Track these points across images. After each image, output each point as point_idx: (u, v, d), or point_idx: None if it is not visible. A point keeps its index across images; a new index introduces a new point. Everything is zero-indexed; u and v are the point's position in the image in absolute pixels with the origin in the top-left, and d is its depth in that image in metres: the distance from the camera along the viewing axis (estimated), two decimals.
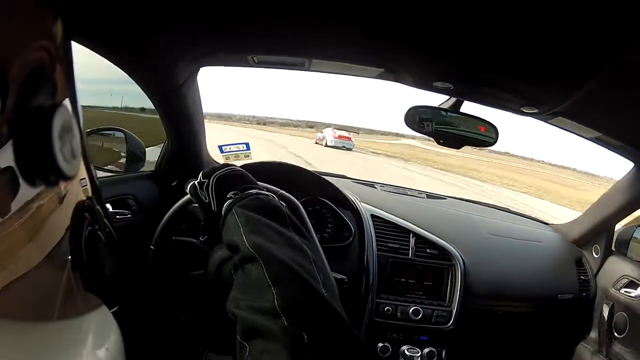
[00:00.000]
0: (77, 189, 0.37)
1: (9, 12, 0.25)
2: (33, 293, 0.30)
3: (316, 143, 16.82)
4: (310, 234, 0.56)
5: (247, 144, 1.20)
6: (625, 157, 1.12)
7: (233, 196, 0.60)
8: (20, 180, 0.26)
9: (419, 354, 0.99)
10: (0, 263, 0.26)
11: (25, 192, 0.27)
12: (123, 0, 0.61)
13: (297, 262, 0.46)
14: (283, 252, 0.47)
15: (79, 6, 0.60)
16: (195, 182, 0.67)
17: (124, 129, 1.13)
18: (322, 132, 17.54)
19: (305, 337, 0.38)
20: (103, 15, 0.64)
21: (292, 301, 0.41)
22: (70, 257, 0.34)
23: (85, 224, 0.38)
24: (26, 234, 0.28)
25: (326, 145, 15.50)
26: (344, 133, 17.03)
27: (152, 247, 0.89)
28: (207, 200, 0.64)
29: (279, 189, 0.78)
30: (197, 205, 0.69)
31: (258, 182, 0.66)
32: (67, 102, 0.32)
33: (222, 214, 0.60)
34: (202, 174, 0.67)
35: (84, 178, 0.38)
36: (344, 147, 15.73)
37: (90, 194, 0.39)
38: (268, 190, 0.64)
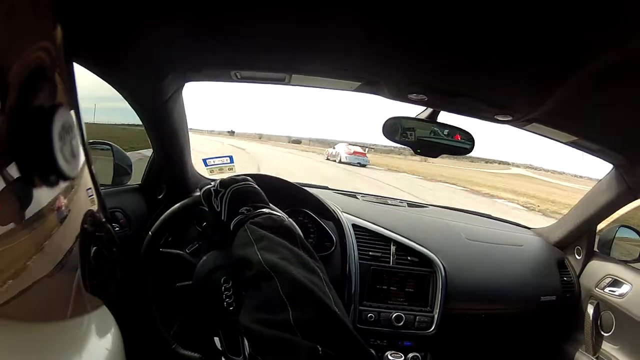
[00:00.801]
0: (77, 190, 0.36)
1: (9, 12, 0.25)
2: (33, 293, 0.29)
3: (327, 159, 16.56)
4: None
5: (230, 157, 1.22)
6: (604, 160, 1.13)
7: (245, 212, 0.62)
8: (20, 181, 0.26)
9: (402, 358, 1.01)
10: (1, 263, 0.26)
11: (25, 192, 0.27)
12: (109, 16, 0.63)
13: (311, 280, 0.48)
14: (297, 271, 0.48)
15: (65, 23, 0.62)
16: (212, 189, 0.69)
17: (110, 143, 1.15)
18: (333, 148, 17.24)
19: (320, 350, 0.41)
20: (90, 31, 0.66)
21: (307, 318, 0.44)
22: (70, 257, 0.34)
23: (86, 224, 0.38)
24: (25, 235, 0.28)
25: (340, 162, 15.25)
26: (359, 149, 16.62)
27: (150, 233, 0.89)
28: (219, 209, 0.66)
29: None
30: (206, 208, 0.71)
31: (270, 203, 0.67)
32: (67, 102, 0.33)
33: (231, 227, 0.62)
34: (220, 182, 0.69)
35: (84, 178, 0.38)
36: (358, 163, 15.32)
37: (90, 194, 0.39)
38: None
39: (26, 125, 0.27)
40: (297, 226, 0.61)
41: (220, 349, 0.82)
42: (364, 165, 15.44)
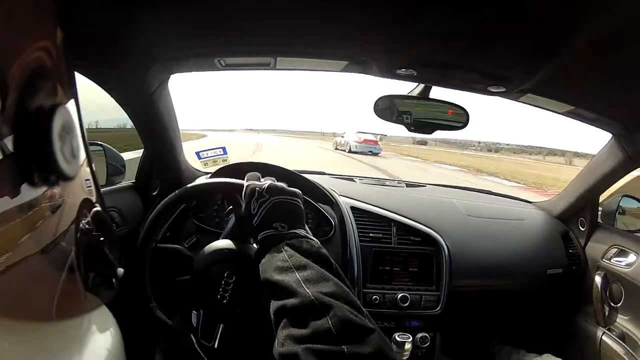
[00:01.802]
0: (78, 189, 0.37)
1: (9, 12, 0.26)
2: (34, 293, 0.30)
3: (336, 149, 15.46)
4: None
5: (223, 148, 1.21)
6: (602, 129, 1.12)
7: (280, 229, 0.60)
8: (21, 180, 0.26)
9: (410, 339, 1.00)
10: (1, 263, 0.26)
11: (26, 192, 0.27)
12: (88, 10, 0.61)
13: (361, 320, 0.47)
14: (348, 311, 0.47)
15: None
16: (257, 190, 0.65)
17: (101, 143, 1.14)
18: (342, 137, 15.97)
19: None
20: (69, 26, 0.65)
21: (363, 352, 0.43)
22: (70, 257, 0.35)
23: (86, 224, 0.38)
24: (27, 234, 0.28)
25: (349, 151, 14.27)
26: (370, 136, 15.03)
27: (142, 228, 0.87)
28: (254, 212, 0.64)
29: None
30: (240, 197, 0.68)
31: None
32: (67, 102, 0.33)
33: (260, 236, 0.61)
34: (268, 187, 0.65)
35: (88, 179, 0.38)
36: (370, 152, 14.26)
37: (90, 195, 0.40)
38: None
39: (26, 125, 0.27)
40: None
41: (194, 325, 0.81)
42: (376, 154, 14.40)
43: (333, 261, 0.57)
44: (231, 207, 0.77)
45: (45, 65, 0.30)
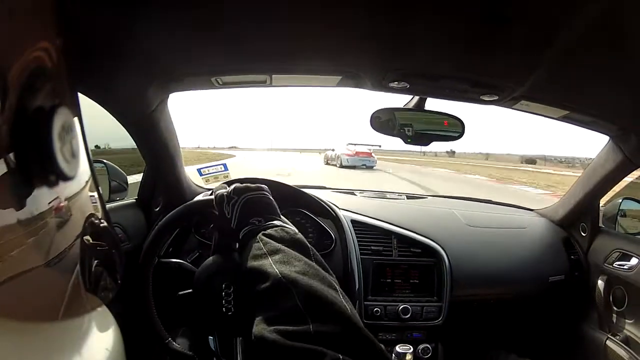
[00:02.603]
0: (79, 191, 0.37)
1: (10, 13, 0.26)
2: (34, 294, 0.30)
3: (327, 164, 14.55)
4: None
5: (224, 165, 1.22)
6: (599, 132, 1.11)
7: (256, 223, 0.62)
8: (21, 182, 0.27)
9: (411, 350, 1.00)
10: (1, 263, 0.26)
11: (26, 192, 0.28)
12: (89, 30, 0.63)
13: (329, 294, 0.47)
14: (315, 284, 0.48)
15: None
16: (224, 194, 0.68)
17: (104, 160, 1.16)
18: (332, 150, 14.94)
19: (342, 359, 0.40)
20: (67, 44, 0.66)
21: (329, 330, 0.43)
22: (71, 258, 0.35)
23: (88, 225, 0.38)
24: (27, 236, 0.29)
25: (341, 166, 13.31)
26: (363, 148, 13.85)
27: (146, 243, 0.88)
28: (229, 216, 0.66)
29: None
30: (215, 212, 0.70)
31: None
32: (67, 102, 0.33)
33: (240, 235, 0.62)
34: (234, 188, 0.68)
35: (86, 181, 0.38)
36: (364, 165, 13.31)
37: (92, 195, 0.40)
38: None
39: (26, 125, 0.27)
40: (306, 240, 0.60)
41: (214, 349, 0.81)
42: (370, 167, 13.49)
43: (310, 246, 0.57)
44: (212, 224, 0.78)
45: (45, 65, 0.30)
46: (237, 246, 0.76)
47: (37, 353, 0.30)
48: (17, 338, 0.28)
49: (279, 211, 0.67)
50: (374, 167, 13.64)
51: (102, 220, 0.43)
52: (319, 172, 11.15)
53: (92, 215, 0.40)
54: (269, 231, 0.59)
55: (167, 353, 0.82)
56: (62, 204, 0.33)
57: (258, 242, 0.57)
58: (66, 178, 0.33)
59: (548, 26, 0.62)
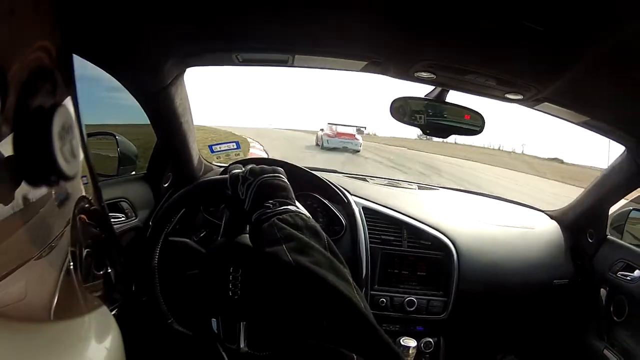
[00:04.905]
0: (78, 189, 0.37)
1: (9, 12, 0.26)
2: (33, 293, 0.30)
3: (317, 144, 12.58)
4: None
5: (237, 142, 1.22)
6: (616, 141, 1.12)
7: (271, 206, 0.61)
8: (21, 180, 0.26)
9: (415, 344, 1.00)
10: (0, 263, 0.26)
11: (26, 191, 0.27)
12: (107, 5, 0.62)
13: (345, 288, 0.47)
14: (330, 276, 0.48)
15: (62, 15, 0.61)
16: (240, 175, 0.67)
17: (113, 132, 1.14)
18: (321, 130, 12.93)
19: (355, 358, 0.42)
20: (87, 21, 0.64)
21: (342, 325, 0.44)
22: (70, 257, 0.35)
23: (86, 224, 0.38)
24: (27, 234, 0.29)
25: (322, 147, 11.72)
26: (345, 129, 12.05)
27: (152, 221, 0.87)
28: (243, 197, 0.65)
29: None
30: (230, 192, 0.69)
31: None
32: (67, 102, 0.33)
33: (253, 218, 0.61)
34: (250, 169, 0.67)
35: (85, 176, 0.38)
36: (345, 148, 11.59)
37: (90, 194, 0.39)
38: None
39: (26, 125, 0.27)
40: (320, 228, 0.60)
41: (216, 332, 0.81)
42: (356, 151, 11.69)
43: (324, 234, 0.57)
44: (223, 205, 0.77)
45: (45, 65, 0.30)
46: (247, 228, 0.75)
47: (36, 353, 0.30)
48: (16, 337, 0.28)
49: (293, 195, 0.66)
50: (359, 152, 11.78)
51: (102, 219, 0.43)
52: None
53: (92, 214, 0.40)
54: (283, 216, 0.58)
55: (170, 333, 0.81)
56: (61, 204, 0.33)
57: (272, 227, 0.56)
58: (66, 178, 0.32)
59: (580, 39, 0.62)
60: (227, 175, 0.70)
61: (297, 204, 0.65)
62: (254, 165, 0.68)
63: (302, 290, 0.47)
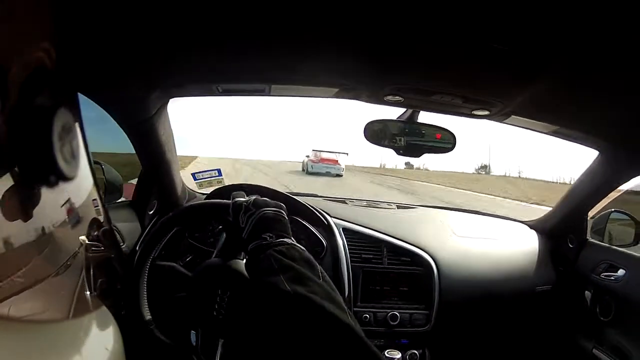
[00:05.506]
0: (79, 192, 0.37)
1: (10, 13, 0.26)
2: (34, 294, 0.30)
3: (303, 170, 13.52)
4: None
5: (218, 170, 1.24)
6: (588, 146, 1.13)
7: (268, 238, 0.63)
8: (23, 183, 0.27)
9: (399, 356, 1.02)
10: (0, 263, 0.26)
11: (25, 192, 0.28)
12: (94, 36, 0.64)
13: (342, 316, 0.49)
14: (327, 305, 0.50)
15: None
16: (244, 204, 0.70)
17: (100, 161, 1.16)
18: (307, 157, 13.81)
19: None
20: (74, 51, 0.66)
21: (340, 352, 0.45)
22: (71, 259, 0.36)
23: (89, 227, 0.39)
24: (27, 237, 0.29)
25: (307, 173, 12.47)
26: (329, 155, 12.91)
27: (139, 246, 0.88)
28: (243, 225, 0.68)
29: None
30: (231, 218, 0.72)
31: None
32: (67, 103, 0.34)
33: (249, 248, 0.64)
34: (254, 201, 0.70)
35: (87, 183, 0.39)
36: (328, 172, 12.25)
37: (93, 197, 0.41)
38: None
39: (26, 125, 0.27)
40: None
41: (194, 344, 0.83)
42: (339, 175, 12.37)
43: (318, 265, 0.60)
44: (221, 226, 0.80)
45: (45, 65, 0.31)
46: (241, 257, 0.78)
47: (36, 353, 0.30)
48: (17, 338, 0.28)
49: (290, 230, 0.69)
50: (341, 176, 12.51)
51: (103, 223, 0.44)
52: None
53: (93, 217, 0.41)
54: (279, 248, 0.61)
55: (150, 339, 0.83)
56: (62, 206, 0.34)
57: (269, 258, 0.59)
58: (67, 179, 0.33)
59: (540, 55, 0.64)
60: (230, 201, 0.73)
61: (292, 238, 0.67)
62: (258, 197, 0.71)
63: (300, 318, 0.49)
